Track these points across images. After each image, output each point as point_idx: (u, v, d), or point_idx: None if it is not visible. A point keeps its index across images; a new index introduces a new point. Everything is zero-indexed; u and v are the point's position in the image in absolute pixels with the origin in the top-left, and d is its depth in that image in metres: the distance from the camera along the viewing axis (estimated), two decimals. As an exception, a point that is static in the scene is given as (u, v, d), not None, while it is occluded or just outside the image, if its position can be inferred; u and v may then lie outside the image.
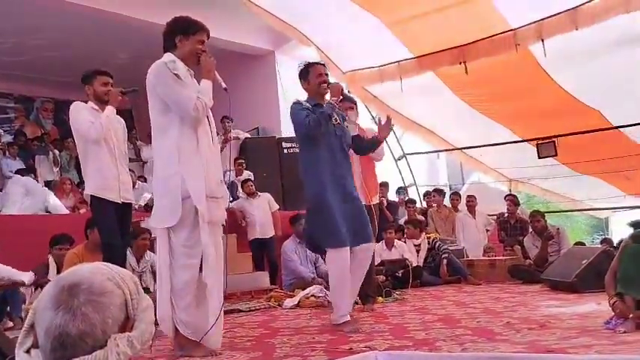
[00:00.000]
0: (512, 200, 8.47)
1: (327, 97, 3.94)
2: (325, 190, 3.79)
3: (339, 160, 3.90)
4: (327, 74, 4.05)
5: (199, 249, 3.01)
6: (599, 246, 7.10)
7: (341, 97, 3.96)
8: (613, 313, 3.27)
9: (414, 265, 6.98)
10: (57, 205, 7.05)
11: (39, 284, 4.86)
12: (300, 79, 4.10)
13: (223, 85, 3.23)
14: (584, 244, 8.87)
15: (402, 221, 8.44)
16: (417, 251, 7.52)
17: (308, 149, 3.92)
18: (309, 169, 3.87)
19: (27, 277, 4.64)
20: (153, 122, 3.14)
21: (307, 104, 3.93)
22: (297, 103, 3.96)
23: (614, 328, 3.11)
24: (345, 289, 3.80)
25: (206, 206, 3.02)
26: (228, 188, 9.06)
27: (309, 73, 4.01)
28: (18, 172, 7.76)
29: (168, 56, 3.16)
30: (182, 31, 3.18)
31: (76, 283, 1.09)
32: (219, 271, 3.13)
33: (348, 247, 3.77)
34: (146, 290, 5.28)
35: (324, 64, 4.12)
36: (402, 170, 11.23)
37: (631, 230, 3.61)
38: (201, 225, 2.99)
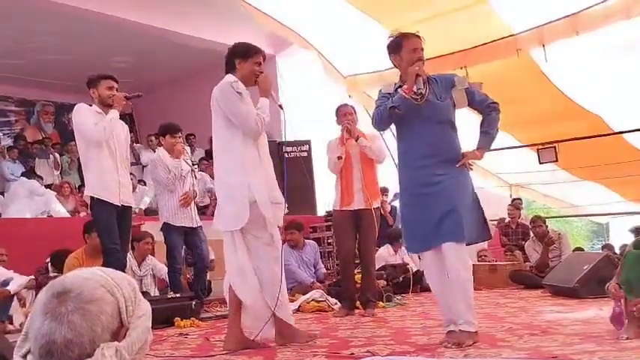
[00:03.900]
0: (514, 205, 8.46)
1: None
2: (402, 189, 3.41)
3: (427, 143, 3.26)
4: (422, 49, 3.35)
5: (273, 246, 3.40)
6: (601, 252, 7.09)
7: (416, 89, 3.22)
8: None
9: (415, 270, 6.97)
10: (60, 209, 7.06)
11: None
12: (390, 53, 3.42)
13: (278, 102, 3.55)
14: (583, 250, 8.87)
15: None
16: (419, 256, 7.50)
17: (398, 142, 3.46)
18: (398, 165, 3.47)
19: (14, 285, 4.65)
20: (217, 136, 3.46)
21: (390, 89, 3.40)
22: (380, 91, 3.49)
23: (618, 323, 3.11)
24: (437, 296, 3.38)
25: (272, 211, 3.35)
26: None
27: (402, 48, 3.34)
28: (23, 174, 7.78)
29: (230, 77, 3.44)
30: (241, 55, 3.48)
31: (66, 290, 1.07)
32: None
33: (426, 252, 3.30)
34: (146, 294, 5.27)
35: (420, 37, 3.37)
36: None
37: (633, 236, 3.60)
38: (270, 228, 3.38)
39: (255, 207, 3.30)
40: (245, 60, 3.46)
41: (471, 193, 3.32)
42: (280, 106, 3.53)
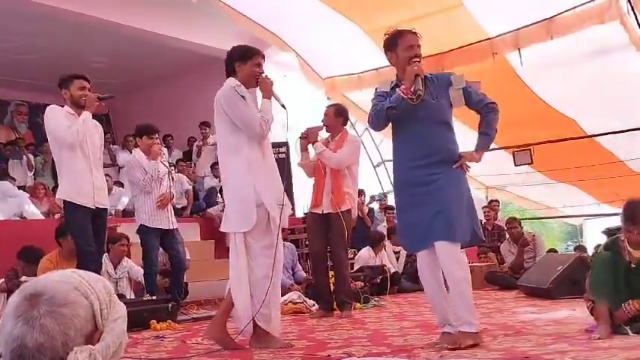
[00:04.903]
0: (490, 207, 8.56)
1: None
2: (397, 189, 3.35)
3: (422, 144, 3.19)
4: (419, 46, 3.25)
5: (273, 250, 3.36)
6: (574, 253, 7.20)
7: (415, 89, 3.10)
8: (590, 320, 3.34)
9: (393, 271, 7.01)
10: (33, 210, 6.95)
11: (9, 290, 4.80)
12: (385, 51, 3.34)
13: (281, 102, 3.53)
14: (557, 251, 9.01)
15: (380, 227, 8.48)
16: (397, 258, 7.56)
17: (393, 142, 3.37)
18: (393, 165, 3.40)
19: None
20: (222, 140, 3.50)
21: (386, 88, 3.33)
22: (375, 90, 3.39)
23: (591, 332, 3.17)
24: (430, 297, 3.32)
25: (278, 213, 3.39)
26: (207, 194, 9.02)
27: (398, 45, 3.24)
28: (-6, 176, 7.64)
29: (232, 81, 3.46)
30: (239, 57, 3.48)
31: (39, 292, 1.05)
32: (281, 269, 3.63)
33: (421, 251, 3.24)
34: (122, 297, 5.22)
35: (416, 33, 3.27)
36: (381, 177, 11.28)
37: (605, 237, 3.67)
38: (274, 230, 3.38)
39: (260, 209, 3.33)
40: (244, 62, 3.46)
41: (466, 194, 3.25)
42: (283, 106, 3.54)
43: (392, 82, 3.36)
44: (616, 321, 3.15)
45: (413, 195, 3.21)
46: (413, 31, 3.28)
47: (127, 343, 1.16)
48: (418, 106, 3.13)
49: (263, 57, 3.55)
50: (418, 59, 3.20)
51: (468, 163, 3.27)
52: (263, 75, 3.49)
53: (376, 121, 3.30)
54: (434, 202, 3.11)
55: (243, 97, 3.38)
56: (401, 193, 3.33)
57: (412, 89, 3.12)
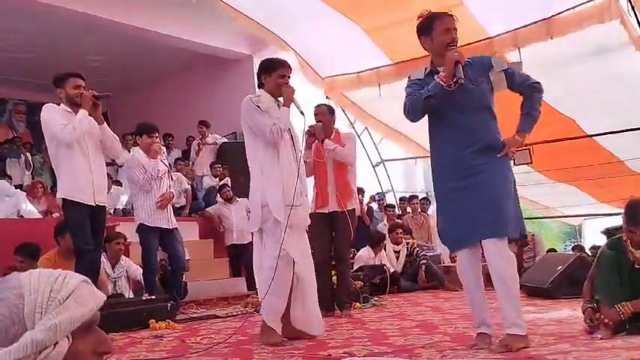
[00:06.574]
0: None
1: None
2: (438, 184, 3.16)
3: (462, 132, 3.02)
4: (455, 29, 3.06)
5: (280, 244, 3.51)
6: (574, 253, 7.19)
7: (456, 77, 2.94)
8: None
9: (392, 271, 7.00)
10: (31, 209, 6.92)
11: None
12: (419, 35, 3.15)
13: (300, 109, 3.74)
14: (556, 251, 9.00)
15: (380, 226, 8.48)
16: (397, 257, 7.55)
17: (430, 132, 3.19)
18: (431, 157, 3.23)
19: None
20: (246, 145, 3.74)
21: (419, 75, 3.17)
22: (408, 78, 3.23)
23: (592, 333, 3.15)
24: (469, 295, 3.16)
25: (285, 213, 3.51)
26: (206, 194, 8.98)
27: (433, 29, 3.06)
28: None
29: (257, 92, 3.77)
30: (265, 70, 3.75)
31: None
32: (309, 268, 3.75)
33: (463, 249, 3.09)
34: (121, 296, 5.21)
35: (453, 16, 3.09)
36: (380, 176, 11.27)
37: (605, 238, 3.65)
38: (282, 228, 3.50)
39: (265, 210, 3.55)
40: (269, 74, 3.71)
41: (512, 184, 3.08)
42: (302, 113, 3.76)
43: (425, 68, 3.19)
44: (605, 318, 3.11)
45: (455, 189, 3.03)
46: (449, 13, 3.10)
47: (59, 353, 1.02)
48: (456, 92, 2.96)
49: (289, 68, 3.77)
50: (455, 44, 3.03)
51: (513, 149, 3.13)
52: (285, 85, 3.68)
53: (413, 112, 3.10)
54: (480, 195, 2.94)
55: (258, 106, 3.61)
56: (442, 187, 3.13)
57: (452, 77, 2.95)
